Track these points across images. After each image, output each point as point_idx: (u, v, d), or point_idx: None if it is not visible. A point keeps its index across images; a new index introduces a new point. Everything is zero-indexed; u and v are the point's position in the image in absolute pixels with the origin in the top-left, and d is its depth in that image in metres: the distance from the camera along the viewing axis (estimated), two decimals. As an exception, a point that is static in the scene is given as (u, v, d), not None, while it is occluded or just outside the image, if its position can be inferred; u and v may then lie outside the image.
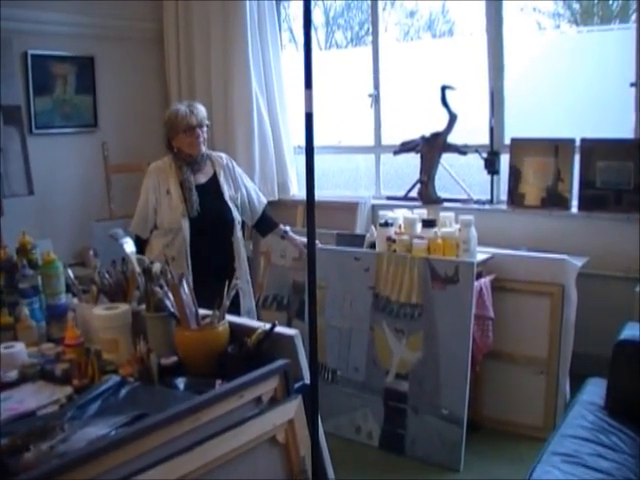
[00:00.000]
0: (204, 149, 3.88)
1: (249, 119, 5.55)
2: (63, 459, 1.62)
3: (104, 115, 5.65)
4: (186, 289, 2.32)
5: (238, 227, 3.96)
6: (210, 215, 3.82)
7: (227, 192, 3.93)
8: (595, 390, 2.92)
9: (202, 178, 3.90)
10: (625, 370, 2.76)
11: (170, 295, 2.32)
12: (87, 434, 1.75)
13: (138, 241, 3.78)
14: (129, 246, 2.72)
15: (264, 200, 4.20)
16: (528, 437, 3.81)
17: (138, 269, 2.55)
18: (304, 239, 3.85)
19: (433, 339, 3.77)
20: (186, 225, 3.78)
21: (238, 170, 4.08)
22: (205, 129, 3.86)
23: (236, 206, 3.96)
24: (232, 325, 2.35)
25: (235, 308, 3.68)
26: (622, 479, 2.30)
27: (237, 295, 3.81)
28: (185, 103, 3.93)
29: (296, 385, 2.20)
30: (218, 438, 1.90)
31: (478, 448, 3.77)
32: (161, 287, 2.37)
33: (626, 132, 4.43)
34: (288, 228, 4.22)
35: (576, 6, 5.10)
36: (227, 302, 2.35)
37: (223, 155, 4.08)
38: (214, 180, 3.92)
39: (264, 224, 4.19)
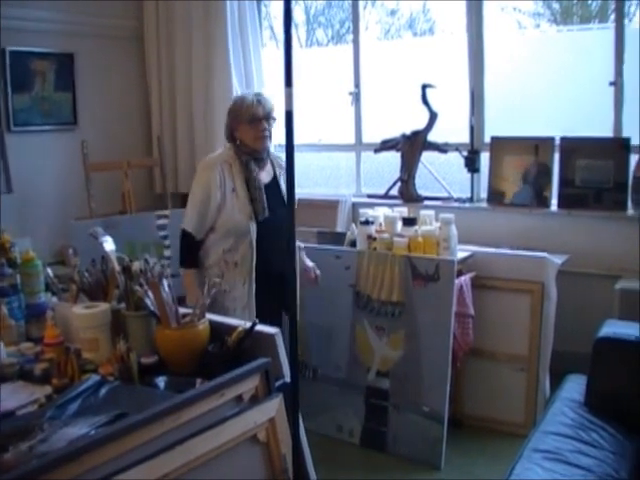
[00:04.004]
0: (269, 144, 3.56)
1: (230, 117, 5.54)
2: (43, 459, 1.61)
3: (84, 113, 5.61)
4: (166, 287, 2.31)
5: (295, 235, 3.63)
6: (275, 219, 3.41)
7: (286, 195, 3.60)
8: (575, 387, 2.94)
9: (266, 177, 3.53)
10: (605, 367, 2.78)
11: (150, 294, 2.31)
12: (67, 434, 1.74)
13: (187, 241, 3.47)
14: (109, 245, 2.70)
15: None
16: (509, 434, 3.84)
17: (118, 268, 2.54)
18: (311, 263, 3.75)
19: (414, 337, 3.77)
20: (254, 228, 3.40)
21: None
22: (272, 122, 3.48)
23: None
24: (212, 324, 2.34)
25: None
26: (603, 475, 2.32)
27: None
28: (253, 92, 3.66)
29: (277, 383, 2.19)
30: (199, 437, 1.89)
31: (459, 445, 3.79)
32: (141, 286, 2.35)
33: (605, 131, 4.47)
34: (302, 245, 3.85)
35: (556, 6, 5.13)
36: (207, 300, 2.34)
37: (280, 155, 3.63)
38: (275, 181, 3.57)
39: None
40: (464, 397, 4.08)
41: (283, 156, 3.43)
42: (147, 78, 6.03)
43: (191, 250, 3.46)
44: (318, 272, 3.81)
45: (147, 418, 1.79)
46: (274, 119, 3.47)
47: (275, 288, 3.31)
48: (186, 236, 3.45)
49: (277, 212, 3.41)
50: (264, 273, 3.41)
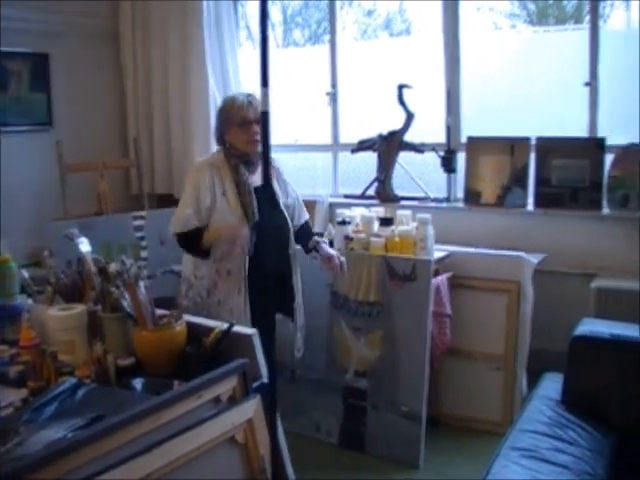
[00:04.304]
0: (261, 148, 3.31)
1: (206, 117, 5.51)
2: (20, 462, 1.59)
3: (59, 113, 5.57)
4: (143, 289, 2.30)
5: (293, 238, 3.54)
6: (267, 223, 3.26)
7: (281, 198, 3.49)
8: (551, 385, 2.95)
9: (258, 180, 3.34)
10: (581, 365, 2.80)
11: (127, 295, 2.30)
12: (43, 437, 1.73)
13: (184, 240, 3.33)
14: (85, 246, 2.68)
15: (307, 215, 3.75)
16: (486, 432, 3.84)
17: (94, 269, 2.53)
18: (334, 251, 3.57)
19: (391, 337, 3.78)
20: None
21: (284, 176, 3.63)
22: None
23: (289, 215, 3.53)
24: (190, 325, 2.33)
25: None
26: (580, 472, 2.33)
27: (291, 311, 3.56)
28: (244, 93, 3.46)
29: (255, 384, 2.19)
30: (177, 439, 1.89)
31: (437, 444, 3.80)
32: (117, 287, 2.34)
33: (580, 131, 4.50)
34: (325, 239, 3.76)
35: (532, 6, 5.16)
36: (185, 302, 2.34)
37: (274, 157, 3.39)
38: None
39: (302, 238, 3.64)
40: (442, 396, 4.09)
41: (275, 156, 3.38)
42: (123, 78, 5.99)
43: (192, 243, 3.31)
44: (343, 259, 3.58)
45: (124, 420, 1.78)
46: None
47: (271, 290, 3.25)
48: (181, 237, 3.32)
49: (270, 216, 3.30)
50: (259, 276, 3.28)
